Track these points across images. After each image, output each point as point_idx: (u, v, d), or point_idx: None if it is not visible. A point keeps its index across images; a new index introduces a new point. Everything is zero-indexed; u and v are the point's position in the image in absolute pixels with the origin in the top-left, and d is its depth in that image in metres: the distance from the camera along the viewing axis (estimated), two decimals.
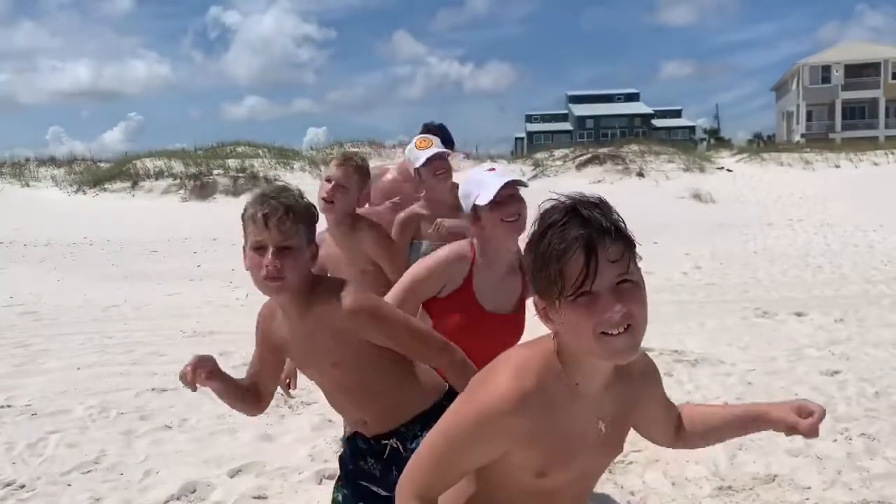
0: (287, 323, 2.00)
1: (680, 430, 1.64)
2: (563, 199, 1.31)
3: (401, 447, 2.00)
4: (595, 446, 1.41)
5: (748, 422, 1.62)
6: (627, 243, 1.26)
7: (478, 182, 2.44)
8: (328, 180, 2.98)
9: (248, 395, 2.10)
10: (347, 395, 2.04)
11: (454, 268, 2.44)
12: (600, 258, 1.22)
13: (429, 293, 2.45)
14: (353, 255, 3.02)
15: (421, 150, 3.29)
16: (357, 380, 1.98)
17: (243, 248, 1.89)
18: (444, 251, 2.49)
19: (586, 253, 1.22)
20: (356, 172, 3.01)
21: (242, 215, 1.89)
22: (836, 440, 4.13)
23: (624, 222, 1.28)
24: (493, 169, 2.52)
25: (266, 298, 2.03)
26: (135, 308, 8.50)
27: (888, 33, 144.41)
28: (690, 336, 6.64)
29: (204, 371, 1.93)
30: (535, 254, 1.28)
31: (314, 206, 2.00)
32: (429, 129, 4.27)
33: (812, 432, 1.53)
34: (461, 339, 2.13)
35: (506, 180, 2.40)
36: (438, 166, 3.26)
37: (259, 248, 1.84)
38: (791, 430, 1.56)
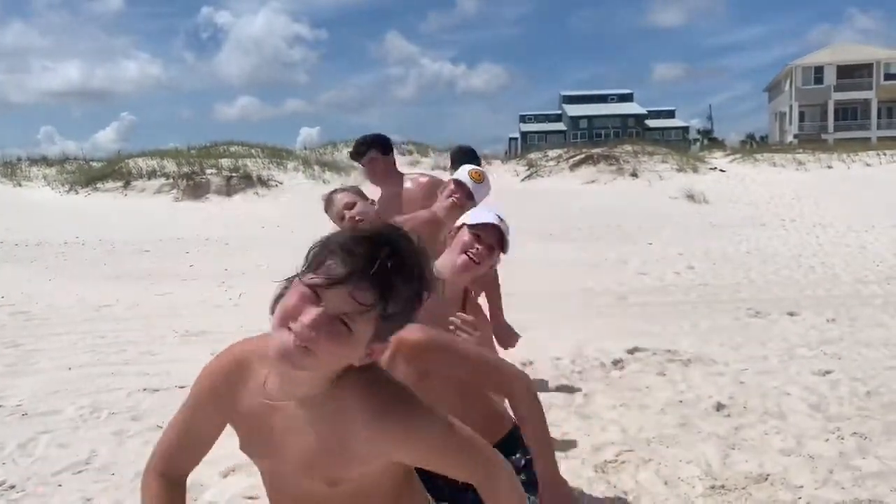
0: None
1: None
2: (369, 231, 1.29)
3: None
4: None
5: None
6: (382, 299, 1.22)
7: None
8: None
9: None
10: None
11: None
12: (347, 283, 1.21)
13: None
14: None
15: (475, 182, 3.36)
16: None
17: None
18: None
19: (346, 269, 1.21)
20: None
21: None
22: (827, 439, 4.14)
23: (412, 285, 1.26)
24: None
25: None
26: (127, 308, 8.46)
27: (877, 36, 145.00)
28: (683, 336, 6.65)
29: None
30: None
31: None
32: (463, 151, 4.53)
33: None
34: None
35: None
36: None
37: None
38: None
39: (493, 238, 2.33)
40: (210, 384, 1.45)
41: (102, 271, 11.59)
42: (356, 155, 4.25)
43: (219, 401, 1.44)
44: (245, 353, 1.44)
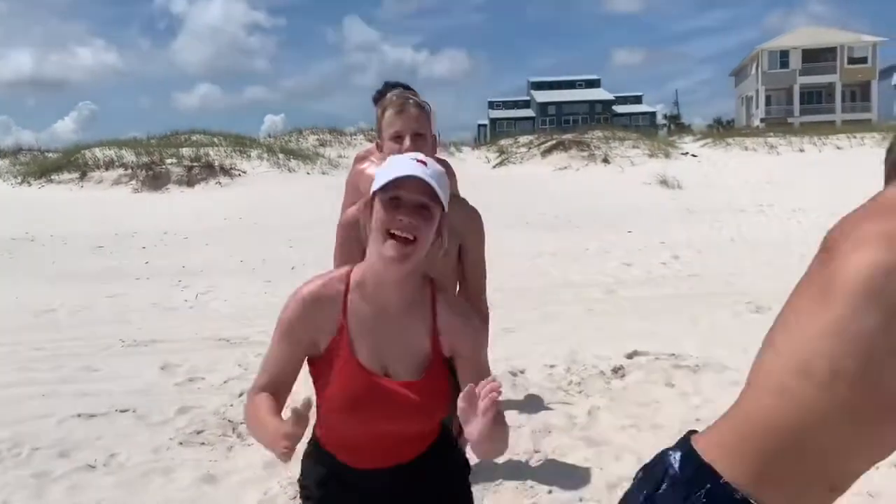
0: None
1: None
2: None
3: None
4: None
5: None
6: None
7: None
8: (398, 136, 2.33)
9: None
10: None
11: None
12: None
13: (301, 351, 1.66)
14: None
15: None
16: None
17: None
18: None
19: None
20: (424, 114, 2.42)
21: None
22: None
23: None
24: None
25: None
26: (71, 313, 7.67)
27: (833, 21, 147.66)
28: (685, 337, 6.07)
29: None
30: None
31: None
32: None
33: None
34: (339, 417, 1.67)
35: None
36: None
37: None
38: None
39: (421, 193, 1.55)
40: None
41: (49, 270, 10.73)
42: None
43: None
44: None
